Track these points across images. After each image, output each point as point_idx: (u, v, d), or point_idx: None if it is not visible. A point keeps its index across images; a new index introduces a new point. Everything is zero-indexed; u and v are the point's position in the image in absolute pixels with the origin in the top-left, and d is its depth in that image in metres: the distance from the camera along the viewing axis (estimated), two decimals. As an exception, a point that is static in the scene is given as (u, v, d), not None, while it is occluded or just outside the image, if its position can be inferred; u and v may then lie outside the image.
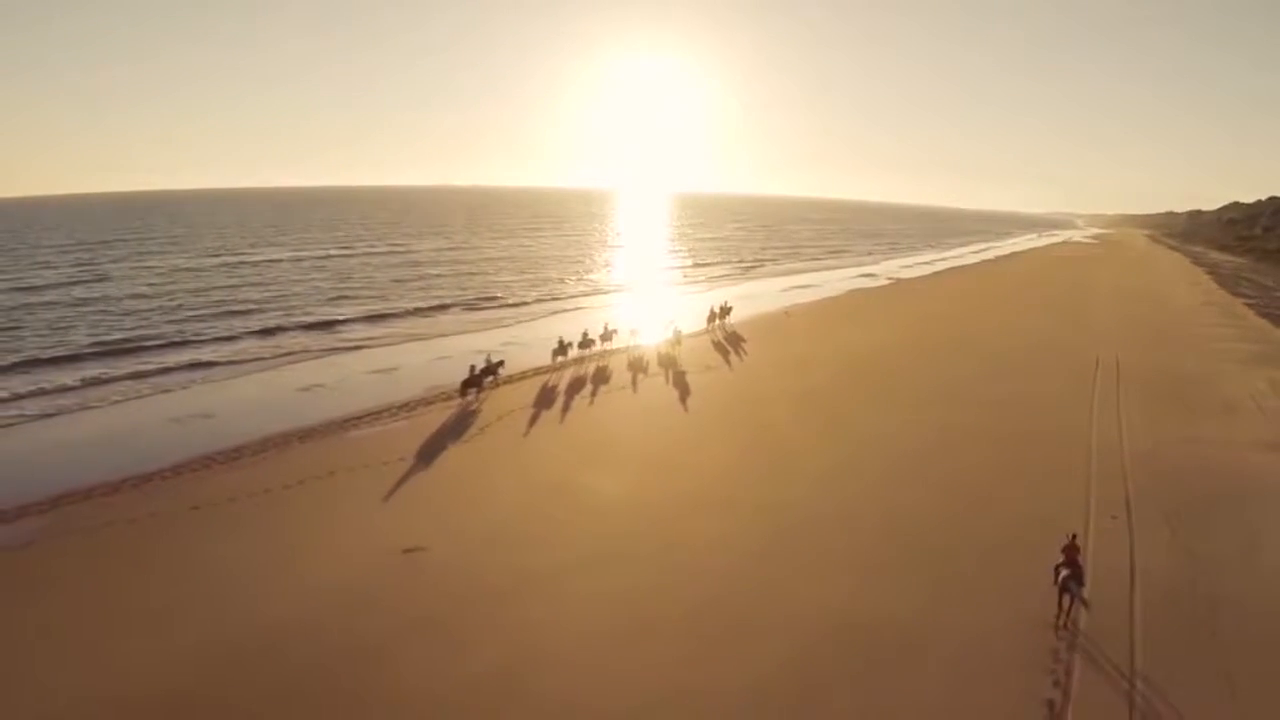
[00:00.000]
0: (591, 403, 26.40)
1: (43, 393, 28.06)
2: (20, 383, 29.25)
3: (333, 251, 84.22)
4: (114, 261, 71.91)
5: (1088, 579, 12.72)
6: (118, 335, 37.39)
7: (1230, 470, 20.27)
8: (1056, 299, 57.72)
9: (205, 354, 34.12)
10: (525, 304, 50.95)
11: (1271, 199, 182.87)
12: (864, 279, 72.38)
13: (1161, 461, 20.74)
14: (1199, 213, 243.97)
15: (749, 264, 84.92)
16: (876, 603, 13.00)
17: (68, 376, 30.06)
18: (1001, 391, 28.22)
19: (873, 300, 56.72)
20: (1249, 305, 60.07)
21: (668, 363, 32.49)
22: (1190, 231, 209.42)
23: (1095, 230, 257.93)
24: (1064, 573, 12.50)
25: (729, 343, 36.93)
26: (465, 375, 26.30)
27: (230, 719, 10.20)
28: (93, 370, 31.08)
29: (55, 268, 66.95)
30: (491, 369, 27.03)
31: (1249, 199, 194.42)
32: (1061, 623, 12.47)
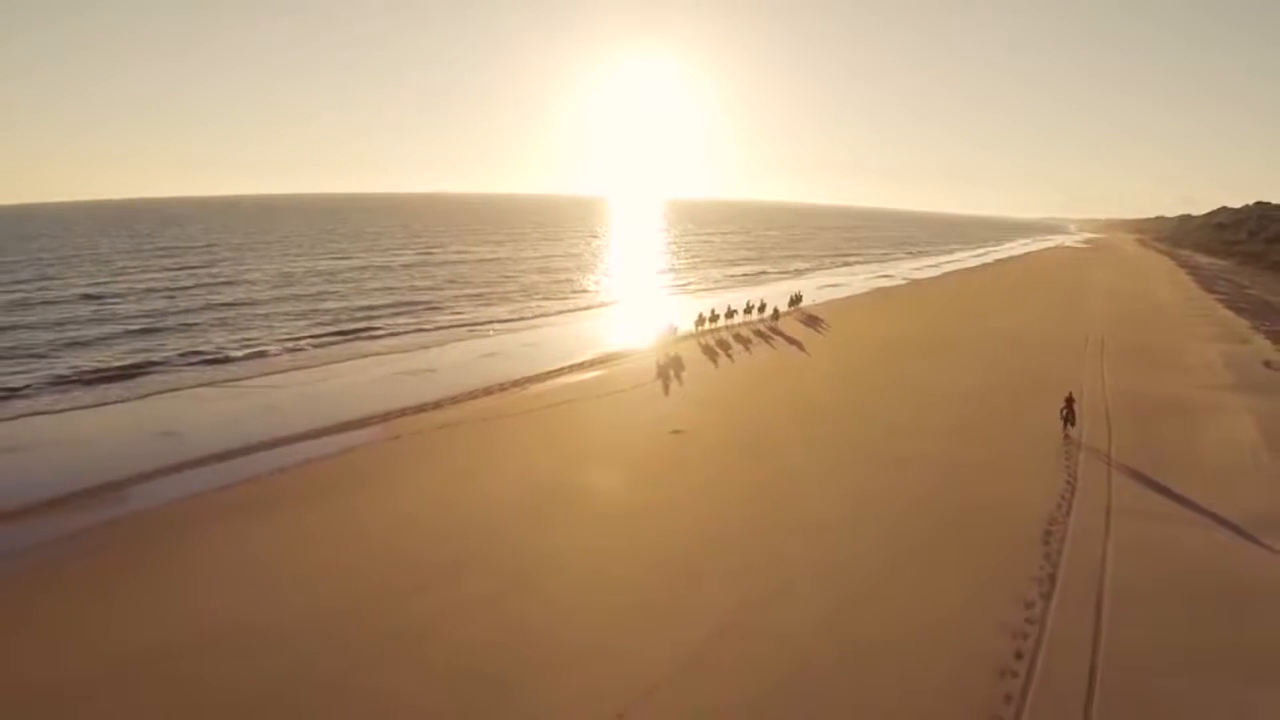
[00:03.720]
0: (752, 350, 38.90)
1: (272, 372, 35.93)
2: (260, 365, 37.01)
3: (414, 257, 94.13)
4: (202, 268, 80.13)
5: (1082, 426, 24.11)
6: (287, 334, 45.43)
7: (1178, 399, 30.68)
8: (1052, 297, 68.52)
9: (375, 346, 41.64)
10: (618, 300, 62.08)
11: (1259, 204, 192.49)
12: (883, 280, 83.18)
13: (1131, 394, 31.10)
14: (1189, 217, 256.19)
15: (780, 267, 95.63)
16: (963, 453, 23.13)
17: (282, 362, 37.82)
18: (1016, 358, 38.58)
19: (899, 297, 67.49)
20: (1220, 300, 71.08)
21: (777, 332, 44.49)
22: (1179, 236, 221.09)
23: (1087, 235, 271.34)
24: (1065, 412, 23.52)
25: (808, 323, 47.99)
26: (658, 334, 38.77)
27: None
28: (291, 357, 38.88)
29: (135, 273, 74.06)
30: (675, 328, 37.81)
31: (1237, 204, 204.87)
32: (1064, 436, 23.81)
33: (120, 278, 71.15)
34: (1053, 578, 15.38)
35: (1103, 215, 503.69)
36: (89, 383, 33.92)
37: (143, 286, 65.04)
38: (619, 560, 15.98)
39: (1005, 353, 40.05)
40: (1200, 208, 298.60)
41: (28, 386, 33.40)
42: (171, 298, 58.56)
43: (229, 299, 57.42)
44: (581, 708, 11.19)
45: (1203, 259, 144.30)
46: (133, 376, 34.73)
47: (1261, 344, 45.85)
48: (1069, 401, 24.22)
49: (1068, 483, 20.59)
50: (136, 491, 21.08)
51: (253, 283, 67.19)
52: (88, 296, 58.86)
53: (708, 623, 13.55)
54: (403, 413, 27.85)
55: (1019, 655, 12.63)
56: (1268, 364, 39.79)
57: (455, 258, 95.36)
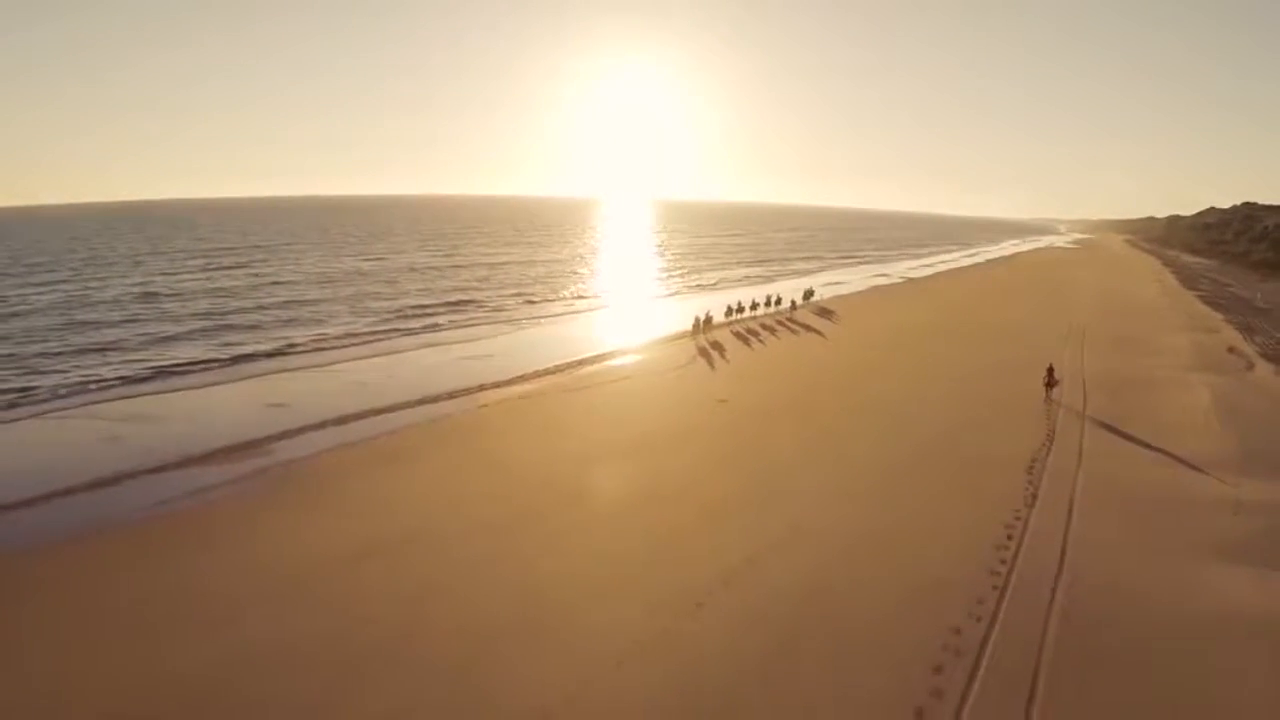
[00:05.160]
0: (779, 336, 44.16)
1: (351, 359, 40.57)
2: (337, 355, 41.44)
3: (439, 259, 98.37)
4: (236, 269, 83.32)
5: (1061, 390, 29.37)
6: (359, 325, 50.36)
7: (1147, 376, 35.76)
8: (1040, 293, 73.95)
9: (435, 337, 45.87)
10: (646, 296, 67.43)
11: (1246, 204, 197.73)
12: (880, 278, 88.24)
13: (1106, 372, 36.19)
14: (1178, 218, 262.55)
15: (785, 267, 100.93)
16: (964, 412, 28.05)
17: (356, 351, 42.20)
18: (1006, 344, 43.66)
19: (898, 294, 72.66)
20: (1198, 296, 76.40)
21: (795, 322, 50.08)
22: (1168, 236, 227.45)
23: (1077, 235, 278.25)
24: (1046, 379, 28.56)
25: (821, 315, 53.23)
26: (693, 322, 44.59)
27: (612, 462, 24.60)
28: (364, 347, 43.08)
29: (171, 275, 76.92)
30: (709, 318, 42.72)
31: (1226, 204, 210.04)
32: (1046, 399, 28.96)
33: (158, 279, 74.17)
34: (1034, 495, 20.26)
35: (1093, 216, 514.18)
36: (181, 373, 37.26)
37: (185, 287, 68.06)
38: (697, 487, 20.72)
39: (997, 339, 45.19)
40: (1190, 208, 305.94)
41: (126, 377, 36.49)
42: (220, 298, 61.65)
43: (280, 299, 60.65)
44: (689, 577, 15.87)
45: (1189, 258, 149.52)
46: (220, 367, 38.47)
47: (1230, 334, 50.95)
48: (1049, 371, 29.50)
49: (1048, 433, 25.62)
50: (278, 447, 25.52)
51: (295, 283, 70.89)
52: (138, 297, 61.59)
53: (780, 522, 18.34)
54: (481, 388, 32.54)
55: (1010, 537, 17.48)
56: (1231, 350, 44.90)
57: (478, 260, 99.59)
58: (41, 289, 67.19)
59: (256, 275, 77.08)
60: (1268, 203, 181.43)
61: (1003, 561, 16.33)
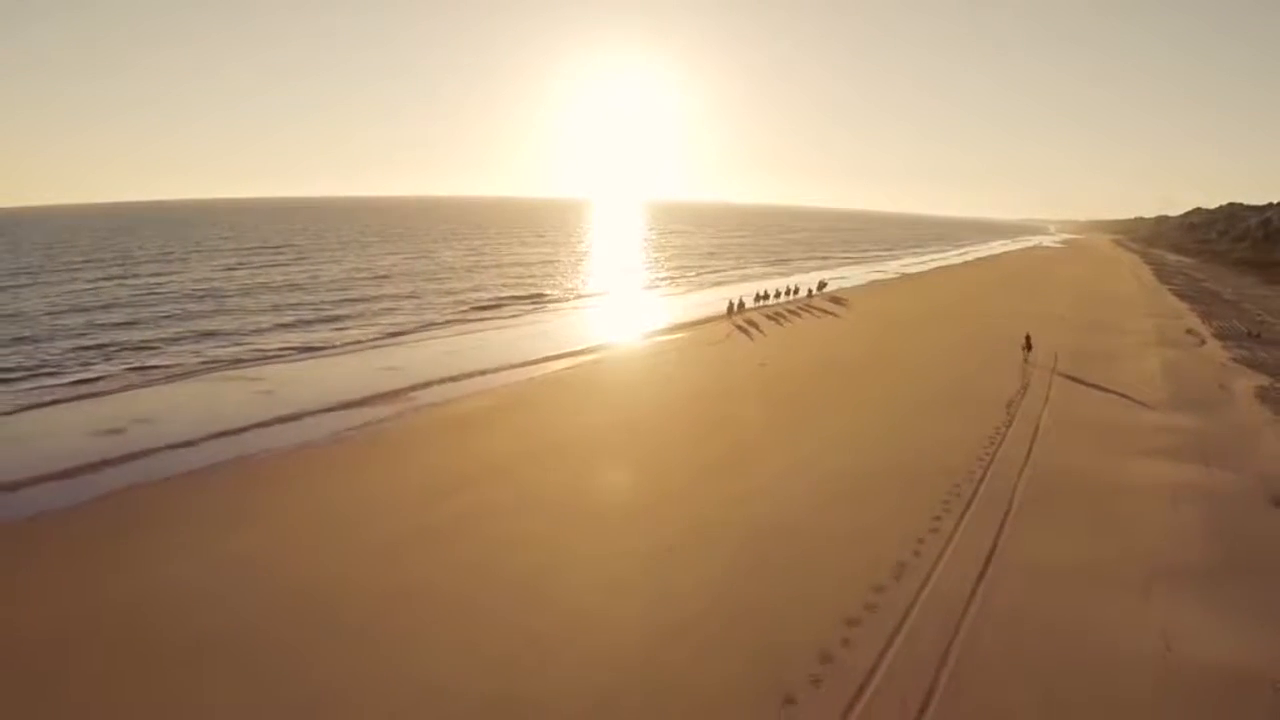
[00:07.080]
0: (802, 317, 51.28)
1: (437, 337, 47.88)
2: (421, 335, 48.90)
3: (473, 258, 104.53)
4: (274, 268, 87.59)
5: (1036, 351, 36.90)
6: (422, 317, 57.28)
7: (1110, 349, 43.25)
8: (1026, 286, 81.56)
9: (499, 323, 52.86)
10: (675, 287, 75.67)
11: (1230, 204, 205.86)
12: (878, 274, 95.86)
13: (1077, 347, 43.63)
14: (1165, 218, 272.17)
15: (793, 264, 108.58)
16: (959, 370, 35.41)
17: (442, 331, 49.61)
18: (994, 326, 51.06)
19: (898, 286, 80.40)
20: (1171, 290, 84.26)
21: (813, 308, 57.88)
22: (1155, 236, 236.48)
23: (1065, 235, 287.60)
24: (1024, 344, 35.91)
25: (834, 302, 60.89)
26: (727, 306, 52.59)
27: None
28: (449, 329, 50.29)
29: (215, 274, 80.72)
30: (741, 302, 50.04)
31: (1213, 204, 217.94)
32: (1024, 361, 36.40)
33: (213, 275, 77.81)
34: (1010, 421, 27.61)
35: (1082, 216, 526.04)
36: (289, 356, 41.57)
37: (245, 283, 71.24)
38: (754, 421, 27.96)
39: (984, 321, 52.90)
40: (1179, 208, 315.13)
41: (239, 358, 40.76)
42: (285, 292, 65.43)
43: (341, 295, 64.05)
44: (763, 470, 23.05)
45: (1171, 257, 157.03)
46: (321, 348, 43.69)
47: (1192, 320, 58.64)
48: (1027, 338, 37.17)
49: (1023, 385, 33.05)
50: (418, 395, 32.44)
51: (348, 279, 75.49)
52: (206, 292, 64.67)
53: (821, 440, 25.60)
54: (556, 357, 39.72)
55: (992, 442, 24.84)
56: (1189, 331, 52.57)
57: (513, 257, 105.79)
58: (101, 285, 70.59)
59: (307, 273, 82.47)
60: (1253, 203, 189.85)
61: (987, 454, 23.67)
